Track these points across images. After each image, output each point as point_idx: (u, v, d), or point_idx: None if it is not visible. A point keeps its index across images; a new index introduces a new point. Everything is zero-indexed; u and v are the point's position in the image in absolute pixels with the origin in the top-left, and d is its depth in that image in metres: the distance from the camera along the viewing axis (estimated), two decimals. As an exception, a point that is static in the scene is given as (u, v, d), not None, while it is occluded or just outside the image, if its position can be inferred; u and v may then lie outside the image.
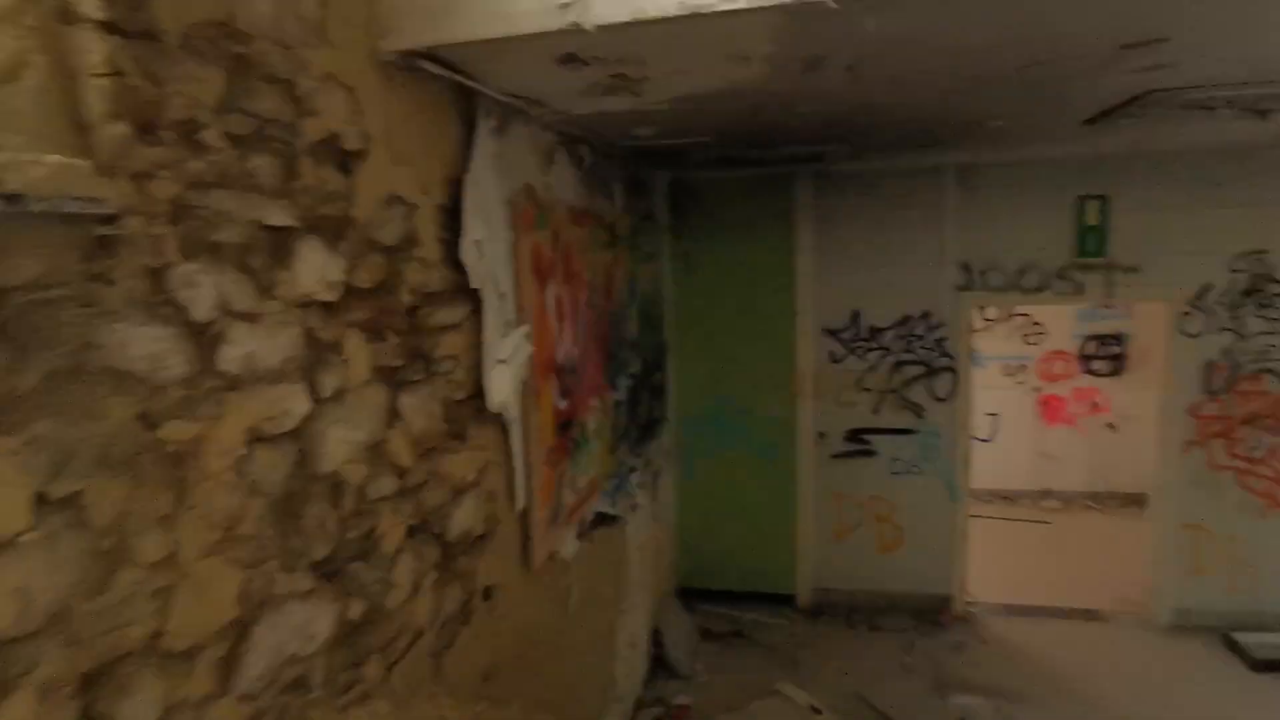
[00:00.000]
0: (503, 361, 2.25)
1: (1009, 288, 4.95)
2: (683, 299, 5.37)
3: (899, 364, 5.11)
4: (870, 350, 5.13)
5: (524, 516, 2.54)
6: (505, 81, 2.28)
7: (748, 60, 2.09)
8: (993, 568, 5.89)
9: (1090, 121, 3.38)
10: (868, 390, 5.17)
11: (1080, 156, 4.68)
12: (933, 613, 5.26)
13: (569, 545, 3.05)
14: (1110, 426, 7.17)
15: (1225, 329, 4.67)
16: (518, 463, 2.43)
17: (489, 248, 2.22)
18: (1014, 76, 2.45)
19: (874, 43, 1.97)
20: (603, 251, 3.57)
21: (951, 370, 5.06)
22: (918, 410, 5.12)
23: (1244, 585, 4.85)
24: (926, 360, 5.07)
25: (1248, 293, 4.63)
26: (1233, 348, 4.67)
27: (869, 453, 5.23)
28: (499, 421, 2.34)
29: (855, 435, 5.24)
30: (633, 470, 4.21)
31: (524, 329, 2.39)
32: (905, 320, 5.07)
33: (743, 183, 5.15)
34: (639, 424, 4.33)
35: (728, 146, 3.85)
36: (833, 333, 5.18)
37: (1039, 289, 4.92)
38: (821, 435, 5.28)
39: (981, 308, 6.63)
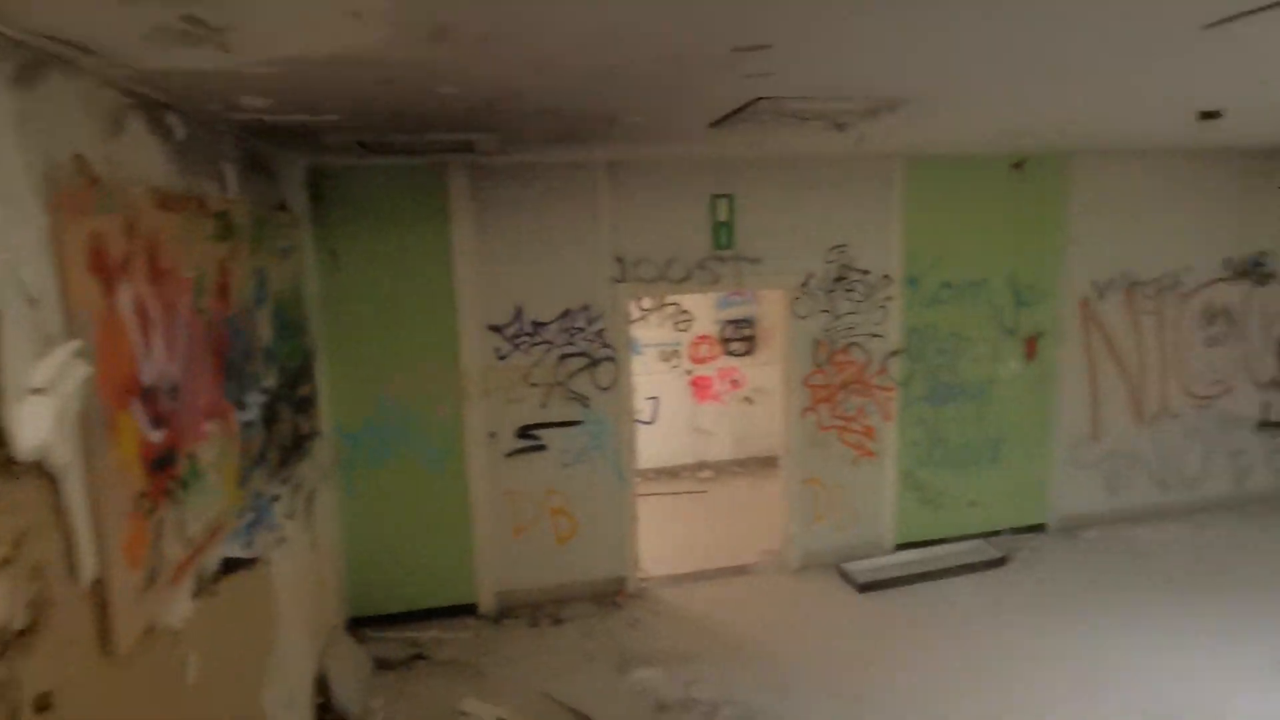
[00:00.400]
0: (39, 390, 1.66)
1: (658, 278, 5.29)
2: (332, 299, 4.79)
3: (563, 357, 5.17)
4: (535, 345, 5.11)
5: (98, 588, 1.94)
6: (26, 13, 1.67)
7: (361, 18, 1.79)
8: (660, 542, 6.33)
9: (716, 124, 3.68)
10: (535, 385, 5.15)
11: (712, 157, 5.15)
12: (611, 595, 5.45)
13: (180, 609, 2.45)
14: (748, 400, 8.20)
15: (824, 311, 5.55)
16: (79, 521, 1.83)
17: (2, 236, 1.61)
18: (647, 71, 2.51)
19: (501, 12, 1.81)
20: (212, 245, 2.95)
21: (612, 360, 5.26)
22: (584, 401, 5.24)
23: (848, 524, 5.85)
24: (589, 352, 5.21)
25: (838, 279, 5.55)
26: (830, 326, 5.57)
27: (540, 447, 5.22)
28: (42, 471, 1.73)
29: (526, 431, 5.19)
30: (276, 499, 3.60)
31: (74, 344, 1.79)
32: (567, 313, 5.14)
33: (393, 171, 4.75)
34: (281, 444, 3.73)
35: (366, 129, 3.45)
36: (497, 329, 5.05)
37: (684, 279, 5.34)
38: (493, 435, 5.13)
39: (640, 298, 7.07)
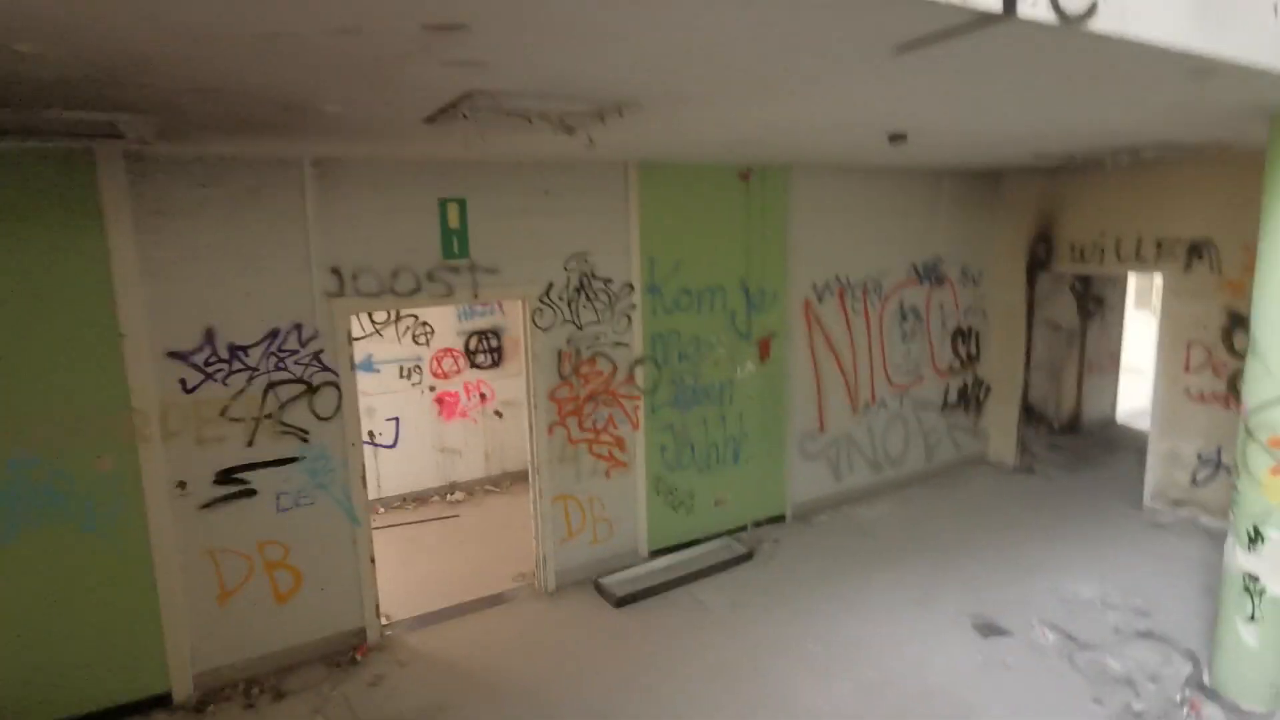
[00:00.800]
0: None
1: (383, 292, 4.72)
2: (-78, 326, 3.60)
3: (272, 385, 4.40)
4: (234, 373, 4.29)
5: None
6: None
7: None
8: (407, 578, 5.75)
9: (431, 120, 3.28)
10: (237, 420, 4.33)
11: (440, 158, 4.71)
12: (348, 651, 4.78)
13: None
14: (498, 414, 7.81)
15: (568, 321, 5.36)
16: None
17: None
18: (325, 48, 2.05)
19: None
20: None
21: (334, 384, 4.59)
22: (301, 434, 4.52)
23: (603, 537, 5.74)
24: (305, 377, 4.50)
25: (580, 288, 5.39)
26: (574, 336, 5.40)
27: (249, 493, 4.40)
28: None
29: (228, 476, 4.34)
30: None
31: None
32: (274, 334, 4.38)
33: (9, 158, 3.67)
34: None
35: (-66, 97, 2.54)
36: (181, 356, 4.16)
37: (413, 292, 4.82)
38: (181, 484, 4.22)
39: (365, 313, 6.40)
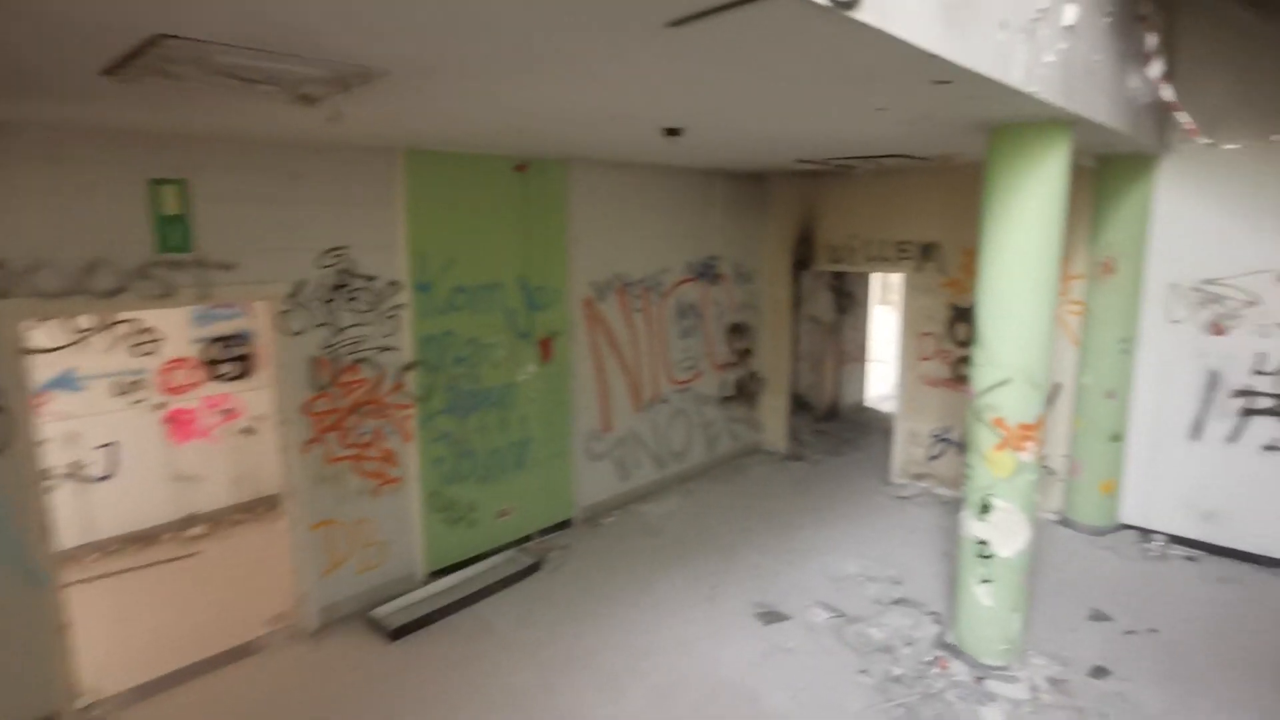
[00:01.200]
0: None
1: (73, 291, 3.80)
2: None
3: (-102, 415, 3.36)
4: None
5: None
6: None
7: None
8: (127, 640, 4.77)
9: (112, 73, 2.61)
10: None
11: (152, 130, 3.89)
12: (31, 745, 3.81)
13: None
14: (248, 431, 6.81)
15: (323, 324, 4.72)
16: None
17: None
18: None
19: None
20: None
21: None
22: (-52, 477, 3.50)
23: (374, 562, 5.16)
24: (-48, 402, 3.49)
25: (338, 287, 4.77)
26: (332, 341, 4.77)
27: None
28: None
29: None
30: None
31: None
32: (-102, 347, 3.34)
33: None
34: None
35: None
36: None
37: (116, 291, 3.94)
38: None
39: (45, 318, 5.21)
